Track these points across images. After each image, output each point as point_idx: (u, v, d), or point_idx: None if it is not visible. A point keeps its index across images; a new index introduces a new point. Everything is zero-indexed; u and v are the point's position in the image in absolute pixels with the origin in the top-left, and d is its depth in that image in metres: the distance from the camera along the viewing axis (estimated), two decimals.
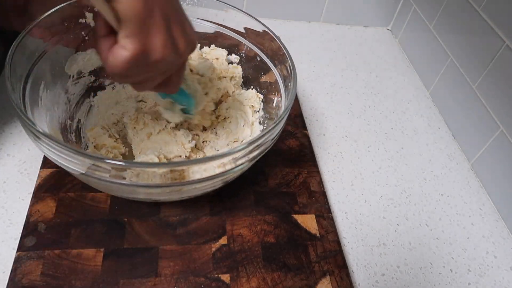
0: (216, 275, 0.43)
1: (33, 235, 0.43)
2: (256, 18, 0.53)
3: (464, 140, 0.65)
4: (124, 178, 0.36)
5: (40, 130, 0.35)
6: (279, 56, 0.51)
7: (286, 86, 0.49)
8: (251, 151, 0.39)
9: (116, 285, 0.40)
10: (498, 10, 0.58)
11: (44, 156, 0.49)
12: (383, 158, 0.61)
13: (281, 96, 0.50)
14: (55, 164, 0.48)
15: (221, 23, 0.55)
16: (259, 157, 0.42)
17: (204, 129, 0.54)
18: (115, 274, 0.41)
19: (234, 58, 0.57)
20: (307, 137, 0.59)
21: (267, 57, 0.53)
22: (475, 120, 0.62)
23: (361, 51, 0.82)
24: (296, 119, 0.61)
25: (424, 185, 0.58)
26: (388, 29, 0.90)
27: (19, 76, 0.41)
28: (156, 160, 0.46)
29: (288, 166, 0.55)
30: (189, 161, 0.45)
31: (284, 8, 0.83)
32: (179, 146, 0.49)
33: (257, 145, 0.40)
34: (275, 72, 0.52)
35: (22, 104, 0.40)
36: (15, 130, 0.54)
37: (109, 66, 0.32)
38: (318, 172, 0.55)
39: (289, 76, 0.48)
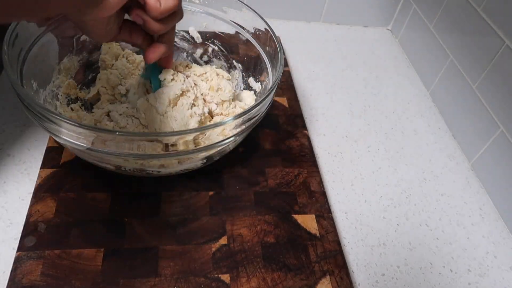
0: (216, 275, 0.43)
1: (33, 235, 0.43)
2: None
3: (464, 140, 0.65)
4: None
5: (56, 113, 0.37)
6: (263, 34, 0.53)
7: (272, 63, 0.51)
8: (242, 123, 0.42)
9: (116, 285, 0.40)
10: (498, 10, 0.58)
11: (44, 156, 0.49)
12: (383, 158, 0.61)
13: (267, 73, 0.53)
14: (55, 164, 0.49)
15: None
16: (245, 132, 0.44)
17: None
18: (115, 274, 0.41)
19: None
20: (307, 137, 0.59)
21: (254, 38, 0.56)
22: (475, 120, 0.62)
23: (361, 51, 0.82)
24: (296, 119, 0.61)
25: (424, 185, 0.58)
26: (388, 29, 0.90)
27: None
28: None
29: (288, 166, 0.55)
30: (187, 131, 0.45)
31: (284, 8, 0.83)
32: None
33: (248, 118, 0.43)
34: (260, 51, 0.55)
35: (19, 79, 0.42)
36: (15, 130, 0.54)
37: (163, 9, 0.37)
38: (318, 172, 0.55)
39: (276, 52, 0.50)
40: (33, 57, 0.45)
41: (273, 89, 0.45)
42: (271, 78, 0.51)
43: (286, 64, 0.71)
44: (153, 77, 0.48)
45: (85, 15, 0.33)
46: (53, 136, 0.40)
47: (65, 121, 0.36)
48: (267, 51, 0.53)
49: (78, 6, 0.31)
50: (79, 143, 0.38)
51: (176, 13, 0.39)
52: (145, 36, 0.41)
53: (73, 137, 0.38)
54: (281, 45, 0.50)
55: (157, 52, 0.41)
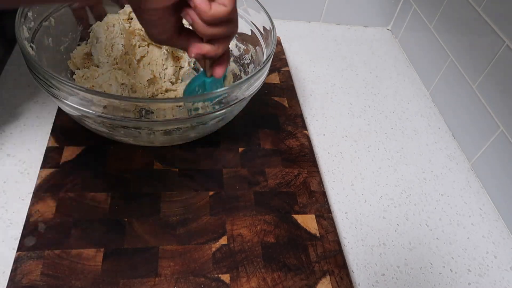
0: (216, 275, 0.43)
1: (33, 235, 0.43)
2: None
3: (464, 140, 0.65)
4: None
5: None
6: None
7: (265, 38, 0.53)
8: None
9: (116, 285, 0.40)
10: (498, 10, 0.58)
11: (44, 156, 0.49)
12: (383, 158, 0.61)
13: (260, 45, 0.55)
14: (55, 164, 0.49)
15: None
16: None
17: None
18: (115, 274, 0.41)
19: None
20: (307, 137, 0.59)
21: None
22: (475, 120, 0.62)
23: (361, 51, 0.82)
24: (296, 119, 0.61)
25: (424, 185, 0.58)
26: (388, 29, 0.90)
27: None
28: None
29: (288, 166, 0.55)
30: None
31: (284, 8, 0.83)
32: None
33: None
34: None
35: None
36: (15, 130, 0.54)
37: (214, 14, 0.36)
38: (318, 172, 0.55)
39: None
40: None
41: (268, 60, 0.47)
42: (265, 52, 0.53)
43: (286, 64, 0.71)
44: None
45: (143, 6, 0.34)
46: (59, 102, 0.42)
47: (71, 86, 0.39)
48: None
49: None
50: (89, 110, 0.41)
51: (228, 23, 0.38)
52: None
53: (82, 104, 0.40)
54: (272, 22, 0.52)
55: (200, 48, 0.40)
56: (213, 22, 0.36)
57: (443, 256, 0.51)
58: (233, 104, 0.45)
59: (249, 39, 0.57)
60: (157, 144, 0.51)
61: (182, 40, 0.40)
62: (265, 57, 0.50)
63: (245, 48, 0.59)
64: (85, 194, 0.47)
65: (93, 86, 0.50)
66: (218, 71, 0.44)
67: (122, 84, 0.50)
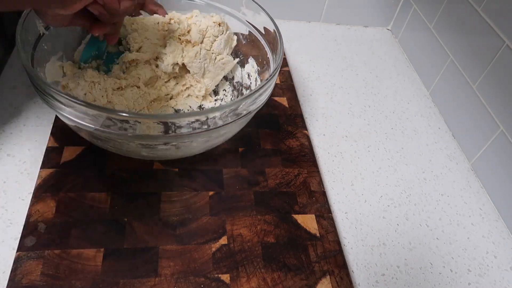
0: (216, 275, 0.43)
1: (33, 235, 0.43)
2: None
3: (464, 140, 0.65)
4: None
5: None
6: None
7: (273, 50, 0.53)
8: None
9: (116, 285, 0.40)
10: (498, 10, 0.58)
11: (44, 156, 0.49)
12: (383, 158, 0.61)
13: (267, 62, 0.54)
14: (55, 164, 0.49)
15: None
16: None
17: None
18: (115, 274, 0.41)
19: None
20: (307, 137, 0.59)
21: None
22: (475, 120, 0.62)
23: (361, 51, 0.82)
24: (296, 119, 0.61)
25: (424, 185, 0.58)
26: (388, 29, 0.90)
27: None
28: None
29: (288, 166, 0.55)
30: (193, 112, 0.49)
31: (284, 8, 0.83)
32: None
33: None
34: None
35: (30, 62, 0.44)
36: (15, 130, 0.54)
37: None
38: (318, 172, 0.55)
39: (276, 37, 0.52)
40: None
41: (276, 72, 0.46)
42: (272, 63, 0.52)
43: (286, 64, 0.71)
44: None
45: (50, 10, 0.36)
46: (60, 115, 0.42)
47: (72, 101, 0.38)
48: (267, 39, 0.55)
49: (47, 4, 0.35)
50: (87, 124, 0.40)
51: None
52: (93, 21, 0.44)
53: (80, 117, 0.40)
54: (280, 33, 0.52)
55: (104, 30, 0.45)
56: (120, 15, 0.42)
57: (443, 256, 0.51)
58: (239, 119, 0.43)
59: (264, 70, 0.56)
60: (139, 157, 0.50)
61: (81, 21, 0.43)
62: (271, 72, 0.49)
63: (261, 78, 0.57)
64: (85, 194, 0.47)
65: (67, 83, 0.50)
66: (112, 40, 0.48)
67: (92, 82, 0.50)
